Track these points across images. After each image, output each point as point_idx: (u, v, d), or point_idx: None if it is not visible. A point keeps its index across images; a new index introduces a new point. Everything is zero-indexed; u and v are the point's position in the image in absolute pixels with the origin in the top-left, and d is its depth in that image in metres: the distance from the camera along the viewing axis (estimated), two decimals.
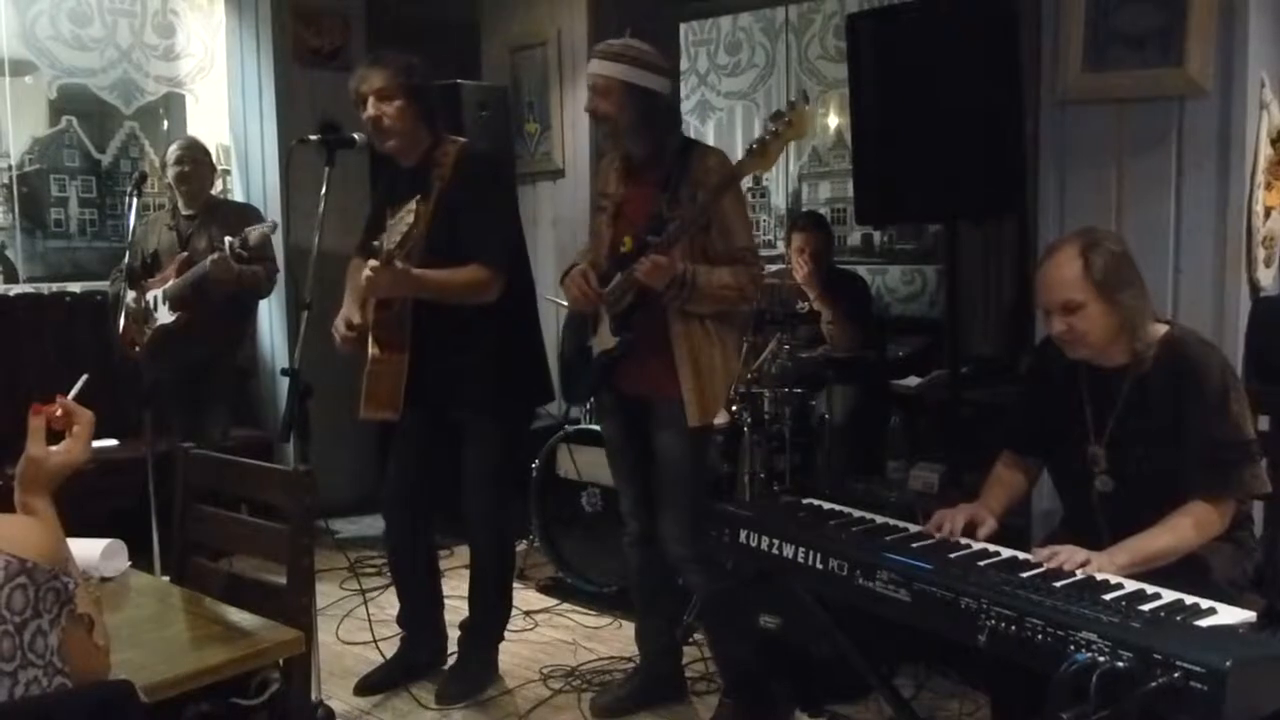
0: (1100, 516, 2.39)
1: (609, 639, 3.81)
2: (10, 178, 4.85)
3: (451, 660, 3.50)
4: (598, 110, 2.97)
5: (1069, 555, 2.14)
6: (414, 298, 3.09)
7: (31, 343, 4.67)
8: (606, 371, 3.04)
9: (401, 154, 3.20)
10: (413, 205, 2.92)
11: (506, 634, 3.55)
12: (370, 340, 3.17)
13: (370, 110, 3.10)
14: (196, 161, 4.34)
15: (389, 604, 4.04)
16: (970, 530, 2.37)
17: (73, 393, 1.75)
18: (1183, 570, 2.19)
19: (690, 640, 3.45)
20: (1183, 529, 2.23)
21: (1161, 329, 2.37)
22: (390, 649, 3.55)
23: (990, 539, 2.33)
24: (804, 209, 6.33)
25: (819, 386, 4.28)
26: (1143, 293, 2.33)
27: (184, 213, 4.35)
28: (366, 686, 3.41)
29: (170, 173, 4.34)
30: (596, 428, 4.11)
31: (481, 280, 3.07)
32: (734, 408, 3.95)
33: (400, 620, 3.56)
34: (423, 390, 3.15)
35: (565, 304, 4.51)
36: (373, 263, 2.96)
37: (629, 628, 3.72)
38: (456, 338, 3.14)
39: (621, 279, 2.93)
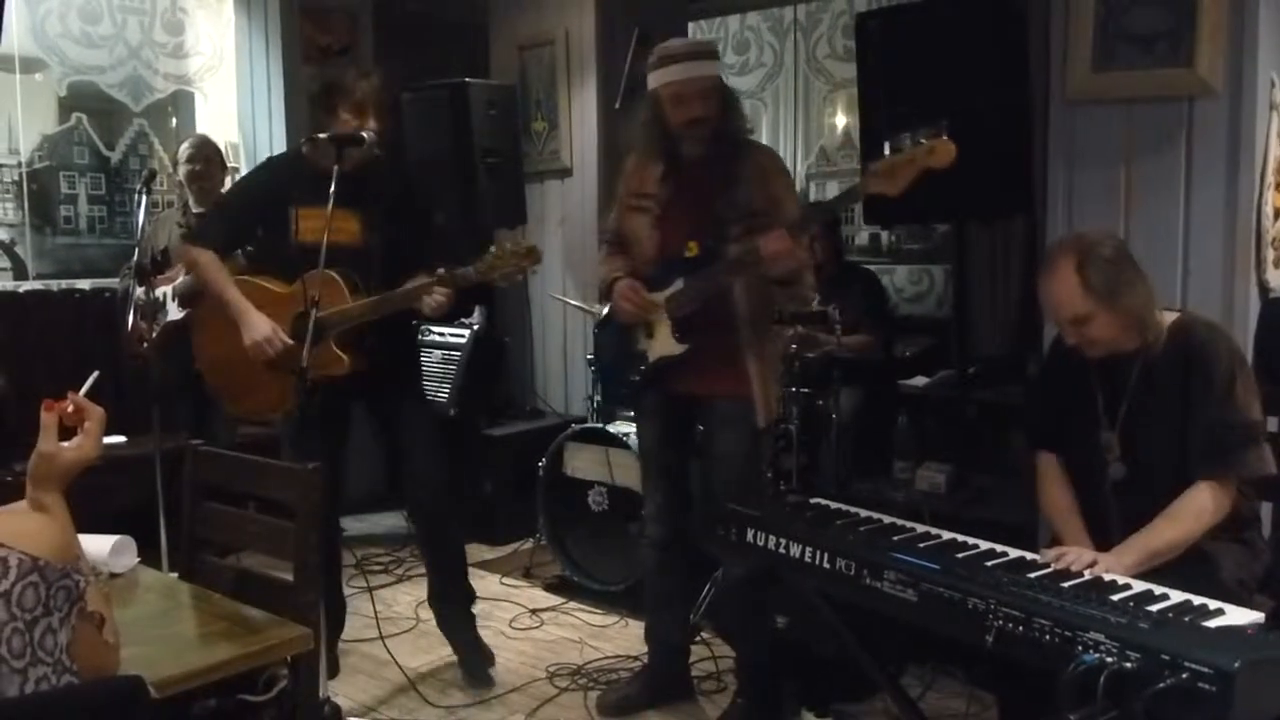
0: (1112, 505, 2.40)
1: (615, 637, 3.81)
2: (20, 174, 4.86)
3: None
4: (703, 114, 2.88)
5: (1076, 556, 2.14)
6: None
7: (40, 339, 4.68)
8: (658, 374, 3.02)
9: (352, 164, 3.04)
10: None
11: (513, 631, 3.56)
12: (337, 349, 3.09)
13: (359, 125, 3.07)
14: (209, 160, 4.36)
15: (395, 600, 4.06)
16: None
17: (84, 389, 1.75)
18: (1191, 571, 2.19)
19: (697, 639, 3.45)
20: (1185, 519, 2.24)
21: (1171, 316, 2.40)
22: (397, 645, 3.56)
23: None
24: None
25: (826, 386, 4.28)
26: (1145, 287, 2.35)
27: (194, 210, 4.35)
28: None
29: (182, 171, 4.35)
30: (602, 426, 4.12)
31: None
32: None
33: None
34: (364, 381, 3.19)
35: (575, 304, 4.52)
36: (444, 290, 3.02)
37: (635, 626, 3.72)
38: (396, 334, 3.27)
39: (688, 284, 2.88)
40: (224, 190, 4.40)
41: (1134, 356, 2.36)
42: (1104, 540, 2.34)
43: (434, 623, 3.54)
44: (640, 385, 3.09)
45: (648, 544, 3.24)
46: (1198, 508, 2.25)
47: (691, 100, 2.88)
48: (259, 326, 3.11)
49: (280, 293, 3.19)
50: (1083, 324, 2.31)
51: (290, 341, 3.08)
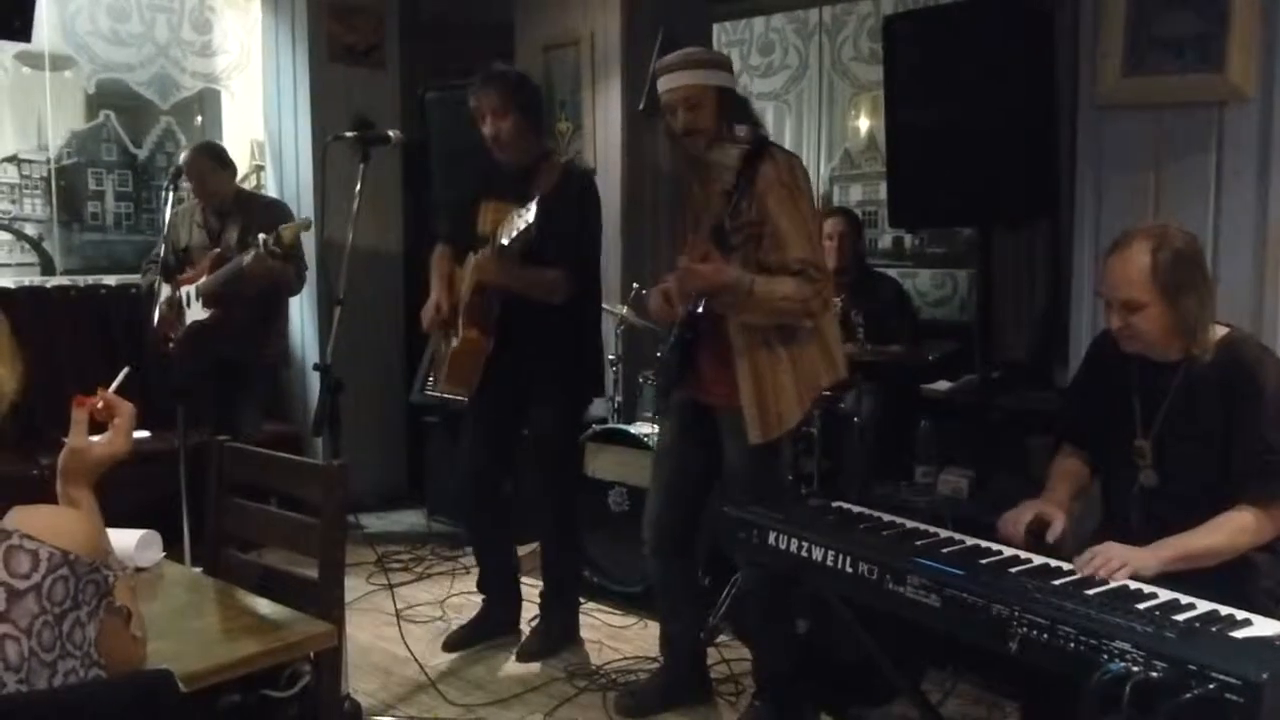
0: (1139, 511, 2.38)
1: (634, 638, 3.81)
2: (49, 171, 4.91)
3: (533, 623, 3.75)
4: (689, 124, 2.85)
5: (1104, 560, 2.12)
6: (506, 289, 3.34)
7: (67, 334, 4.73)
8: (673, 374, 3.01)
9: (512, 160, 3.40)
10: (531, 208, 3.05)
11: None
12: (461, 322, 3.38)
13: (488, 128, 3.34)
14: (200, 176, 4.29)
15: (415, 597, 4.07)
16: (1040, 528, 2.37)
17: (114, 385, 1.76)
18: (1218, 580, 2.17)
19: (714, 642, 3.44)
20: (1226, 532, 2.23)
21: (1221, 331, 2.36)
22: (415, 642, 3.57)
23: (1059, 537, 2.34)
24: None
25: (848, 389, 4.26)
26: (1207, 297, 2.31)
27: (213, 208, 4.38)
28: (451, 644, 3.68)
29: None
30: (624, 427, 4.12)
31: (559, 284, 3.33)
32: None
33: (480, 585, 3.82)
34: (501, 372, 3.40)
35: (614, 310, 4.51)
36: (485, 251, 3.22)
37: (654, 627, 3.72)
38: (537, 329, 3.37)
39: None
40: (238, 186, 4.42)
41: (1176, 366, 2.34)
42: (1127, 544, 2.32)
43: (452, 621, 3.58)
44: (665, 384, 3.12)
45: (646, 551, 3.23)
46: (1240, 525, 2.23)
47: (676, 110, 2.88)
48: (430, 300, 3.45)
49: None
50: (1134, 310, 2.27)
51: (441, 310, 3.43)
